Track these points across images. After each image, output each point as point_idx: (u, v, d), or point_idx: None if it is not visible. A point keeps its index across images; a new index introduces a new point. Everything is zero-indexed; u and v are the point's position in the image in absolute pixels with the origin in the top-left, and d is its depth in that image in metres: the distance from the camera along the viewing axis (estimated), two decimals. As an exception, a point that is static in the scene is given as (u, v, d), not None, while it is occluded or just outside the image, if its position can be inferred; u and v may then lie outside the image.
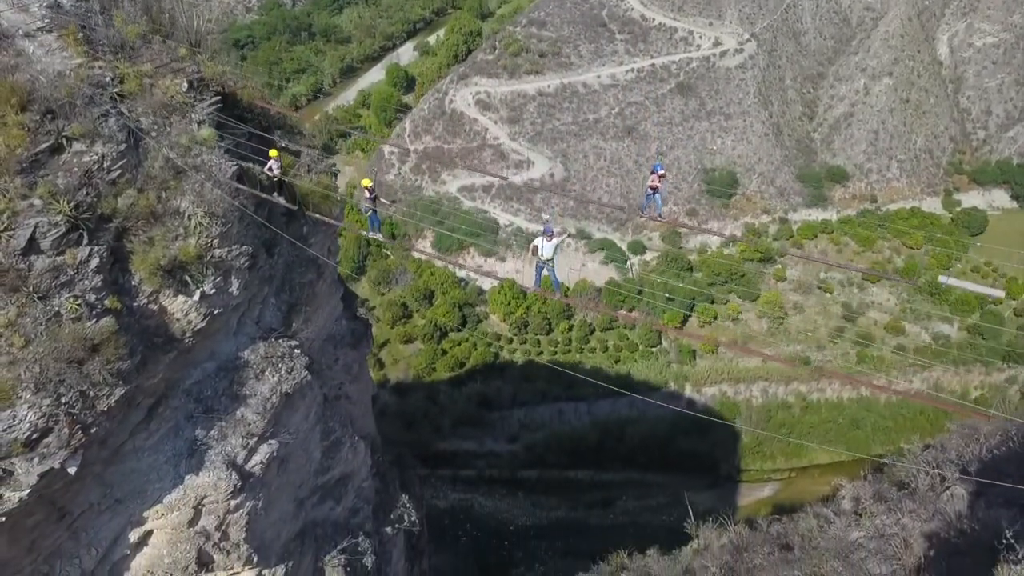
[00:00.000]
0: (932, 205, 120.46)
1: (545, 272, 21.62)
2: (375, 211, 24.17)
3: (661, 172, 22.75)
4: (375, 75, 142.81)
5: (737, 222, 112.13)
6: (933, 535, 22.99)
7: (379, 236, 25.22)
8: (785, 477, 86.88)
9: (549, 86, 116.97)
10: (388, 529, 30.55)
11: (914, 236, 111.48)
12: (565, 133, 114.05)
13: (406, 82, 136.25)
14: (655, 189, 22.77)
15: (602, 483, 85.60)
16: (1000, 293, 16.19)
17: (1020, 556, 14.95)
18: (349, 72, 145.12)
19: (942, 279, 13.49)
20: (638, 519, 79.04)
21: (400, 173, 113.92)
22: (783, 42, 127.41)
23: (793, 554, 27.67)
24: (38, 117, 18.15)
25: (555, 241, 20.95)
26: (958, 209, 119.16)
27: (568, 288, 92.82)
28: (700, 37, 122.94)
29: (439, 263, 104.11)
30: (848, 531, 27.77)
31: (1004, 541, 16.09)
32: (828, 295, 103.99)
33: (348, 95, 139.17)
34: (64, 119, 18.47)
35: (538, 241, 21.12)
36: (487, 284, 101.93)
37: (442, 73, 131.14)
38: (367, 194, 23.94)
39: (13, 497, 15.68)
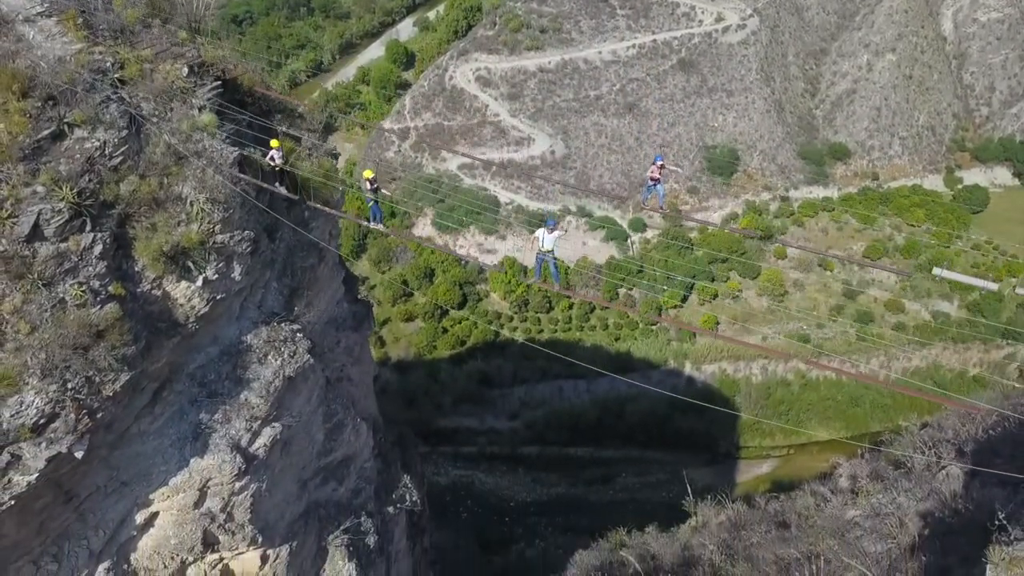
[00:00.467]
0: (934, 183, 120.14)
1: (546, 262, 21.85)
2: (377, 202, 24.20)
3: (660, 163, 22.77)
4: (375, 51, 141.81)
5: (738, 199, 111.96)
6: (928, 514, 23.21)
7: (380, 227, 25.23)
8: (783, 454, 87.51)
9: (550, 62, 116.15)
10: (390, 509, 30.93)
11: (915, 214, 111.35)
12: (566, 110, 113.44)
13: (406, 58, 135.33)
14: (656, 180, 22.81)
15: (602, 460, 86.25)
16: (993, 286, 16.26)
17: (1012, 537, 15.13)
18: (348, 48, 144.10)
19: (936, 271, 13.59)
20: (637, 495, 79.76)
21: (400, 150, 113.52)
22: (786, 17, 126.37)
23: (790, 532, 27.96)
24: (39, 103, 18.19)
25: (556, 234, 21.20)
26: (959, 187, 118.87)
27: (568, 267, 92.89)
28: (702, 12, 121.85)
29: (439, 241, 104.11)
30: (844, 510, 28.07)
31: (997, 522, 16.27)
32: (828, 273, 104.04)
33: (348, 71, 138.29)
34: (65, 105, 18.51)
35: (539, 232, 21.36)
36: (487, 262, 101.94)
37: (442, 49, 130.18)
38: (369, 185, 23.93)
39: (22, 481, 15.93)
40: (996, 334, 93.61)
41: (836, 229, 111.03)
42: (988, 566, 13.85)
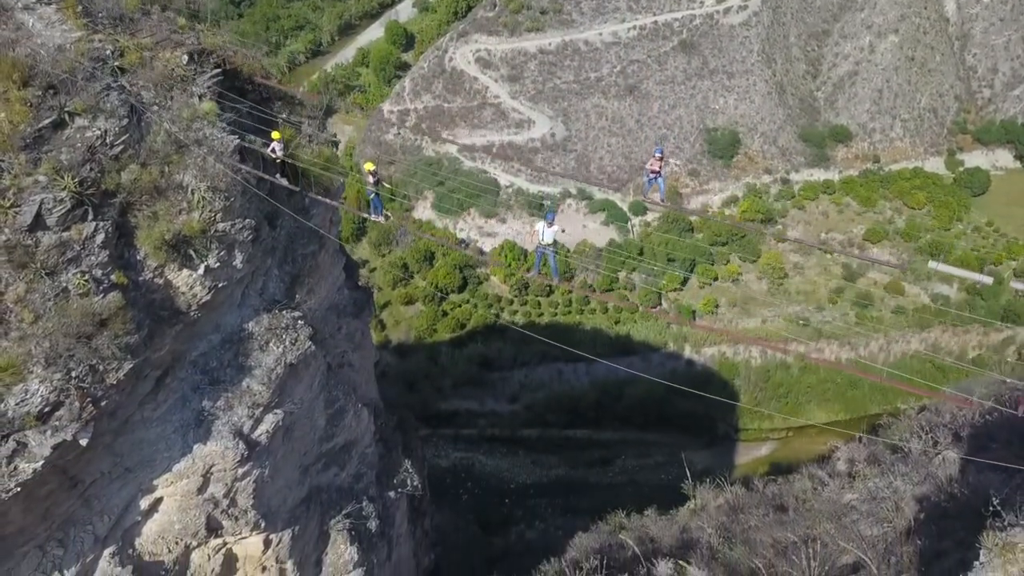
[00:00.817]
0: (935, 165, 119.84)
1: (545, 255, 21.92)
2: (378, 194, 24.21)
3: (661, 155, 22.64)
4: (374, 32, 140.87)
5: (739, 182, 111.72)
6: (924, 499, 23.41)
7: (380, 219, 25.27)
8: (782, 436, 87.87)
9: (550, 44, 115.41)
10: (391, 493, 31.19)
11: (916, 196, 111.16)
12: (566, 92, 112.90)
13: (405, 39, 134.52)
14: (656, 172, 22.63)
15: (601, 442, 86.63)
16: (988, 280, 16.32)
17: (1006, 523, 15.31)
18: (348, 29, 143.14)
19: (932, 265, 13.67)
20: (636, 477, 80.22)
21: (400, 133, 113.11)
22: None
23: (788, 515, 28.20)
24: (40, 92, 18.17)
25: (555, 228, 21.25)
26: (961, 169, 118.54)
27: (568, 251, 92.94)
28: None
29: (439, 224, 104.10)
30: (841, 493, 28.32)
31: (991, 507, 16.44)
32: (829, 256, 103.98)
33: (347, 53, 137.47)
34: (66, 94, 18.48)
35: (539, 226, 21.41)
36: (488, 245, 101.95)
37: (442, 30, 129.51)
38: (370, 178, 23.92)
39: (27, 468, 16.09)
40: (995, 317, 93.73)
41: (837, 212, 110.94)
42: (982, 551, 14.03)
